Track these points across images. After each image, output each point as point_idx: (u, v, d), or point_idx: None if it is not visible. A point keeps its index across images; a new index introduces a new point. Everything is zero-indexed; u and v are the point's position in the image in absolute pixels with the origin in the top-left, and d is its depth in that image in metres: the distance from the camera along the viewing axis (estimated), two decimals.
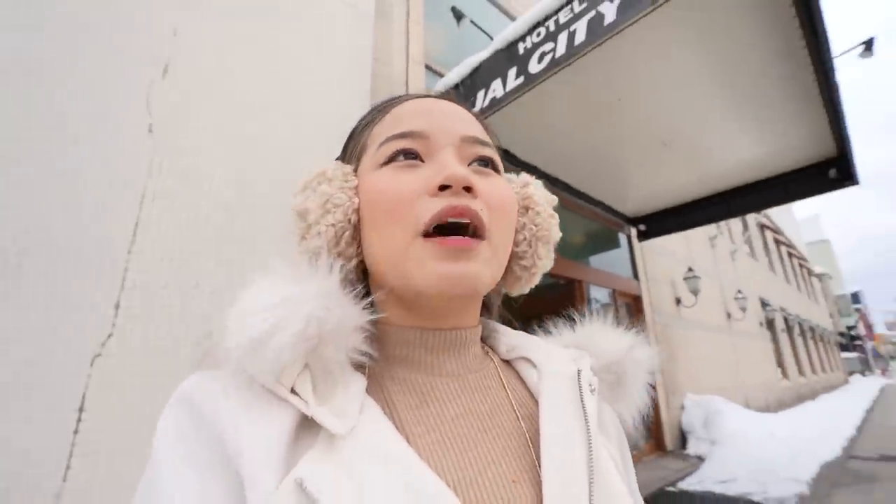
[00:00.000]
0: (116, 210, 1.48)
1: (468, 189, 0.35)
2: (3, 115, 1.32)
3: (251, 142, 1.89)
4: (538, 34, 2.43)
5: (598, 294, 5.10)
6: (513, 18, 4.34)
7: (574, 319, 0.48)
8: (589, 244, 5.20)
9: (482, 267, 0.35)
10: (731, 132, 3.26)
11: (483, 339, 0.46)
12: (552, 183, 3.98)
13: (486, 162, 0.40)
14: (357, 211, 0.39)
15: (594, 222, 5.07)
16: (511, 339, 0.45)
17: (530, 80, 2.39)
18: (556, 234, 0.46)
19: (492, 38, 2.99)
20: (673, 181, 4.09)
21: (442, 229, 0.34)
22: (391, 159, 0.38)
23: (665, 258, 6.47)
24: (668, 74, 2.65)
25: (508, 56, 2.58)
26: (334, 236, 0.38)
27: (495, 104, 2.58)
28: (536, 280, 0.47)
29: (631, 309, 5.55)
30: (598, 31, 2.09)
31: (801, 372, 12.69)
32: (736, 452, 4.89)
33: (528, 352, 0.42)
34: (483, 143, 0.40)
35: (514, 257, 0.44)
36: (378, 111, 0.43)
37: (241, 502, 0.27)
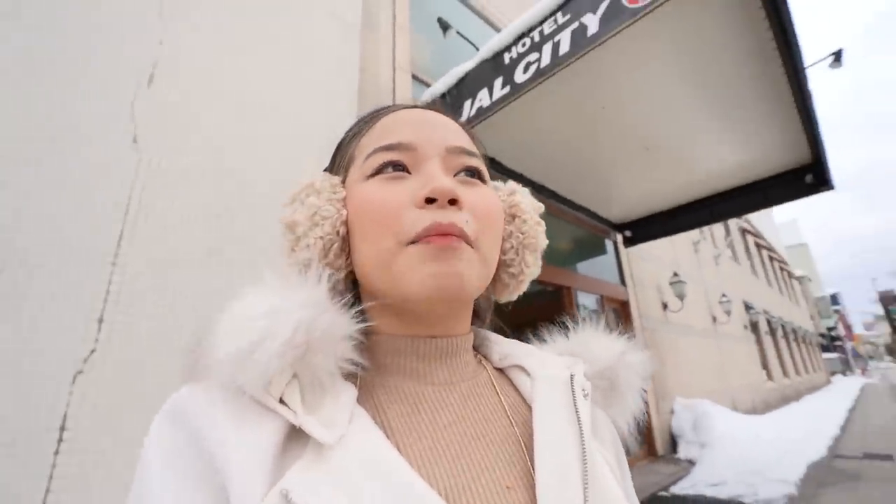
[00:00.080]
0: (100, 222, 1.45)
1: (454, 201, 0.35)
2: None
3: (238, 152, 1.87)
4: (523, 44, 2.48)
5: (587, 300, 5.14)
6: (498, 29, 4.41)
7: (567, 327, 0.48)
8: (576, 251, 5.25)
9: (468, 267, 0.35)
10: (712, 140, 3.35)
11: (476, 348, 0.46)
12: (539, 190, 4.02)
13: (472, 172, 0.41)
14: (345, 223, 0.39)
15: (581, 229, 5.14)
16: (504, 348, 0.45)
17: (516, 90, 2.43)
18: (543, 242, 0.46)
19: (478, 49, 3.03)
20: (657, 188, 4.18)
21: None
22: (378, 171, 0.38)
23: (651, 263, 6.57)
24: (650, 84, 2.72)
25: (494, 66, 2.62)
26: (323, 248, 0.38)
27: (482, 113, 2.61)
28: (524, 287, 0.47)
29: (619, 314, 5.60)
30: (581, 41, 2.14)
31: (785, 373, 12.92)
32: (725, 455, 4.94)
33: (521, 359, 0.43)
34: (469, 154, 0.41)
35: (501, 265, 0.45)
36: (365, 122, 0.44)
37: None
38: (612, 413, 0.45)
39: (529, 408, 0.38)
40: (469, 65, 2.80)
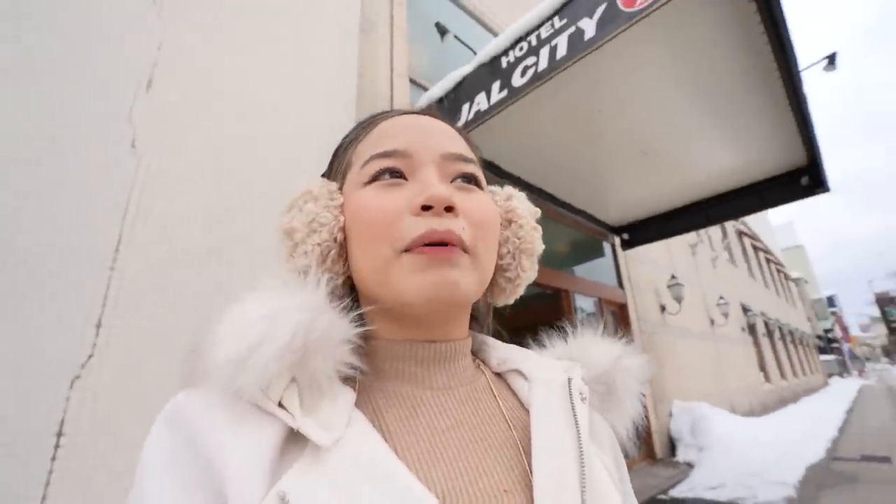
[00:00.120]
0: (99, 222, 1.44)
1: (450, 209, 0.36)
2: None
3: (238, 153, 1.88)
4: (521, 48, 2.49)
5: (585, 303, 5.15)
6: (495, 34, 4.44)
7: (566, 331, 0.48)
8: (574, 254, 5.26)
9: (464, 275, 0.35)
10: (708, 143, 3.37)
11: (474, 353, 0.46)
12: (537, 194, 4.03)
13: (468, 178, 0.41)
14: (343, 229, 0.39)
15: (579, 232, 5.15)
16: (502, 353, 0.45)
17: (514, 94, 2.44)
18: (540, 247, 0.46)
19: (475, 53, 3.05)
20: (654, 191, 4.20)
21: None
22: (375, 178, 0.38)
23: (648, 266, 6.58)
24: (646, 87, 2.74)
25: (492, 70, 2.63)
26: (321, 255, 0.39)
27: (480, 117, 2.62)
28: (521, 291, 0.48)
29: (617, 317, 5.61)
30: (578, 45, 2.16)
31: (782, 375, 12.94)
32: (724, 458, 4.94)
33: (518, 364, 0.43)
34: (465, 160, 0.41)
35: (498, 270, 0.45)
36: (362, 128, 0.44)
37: None
38: (611, 418, 0.44)
39: (527, 412, 0.38)
40: (467, 69, 2.82)
